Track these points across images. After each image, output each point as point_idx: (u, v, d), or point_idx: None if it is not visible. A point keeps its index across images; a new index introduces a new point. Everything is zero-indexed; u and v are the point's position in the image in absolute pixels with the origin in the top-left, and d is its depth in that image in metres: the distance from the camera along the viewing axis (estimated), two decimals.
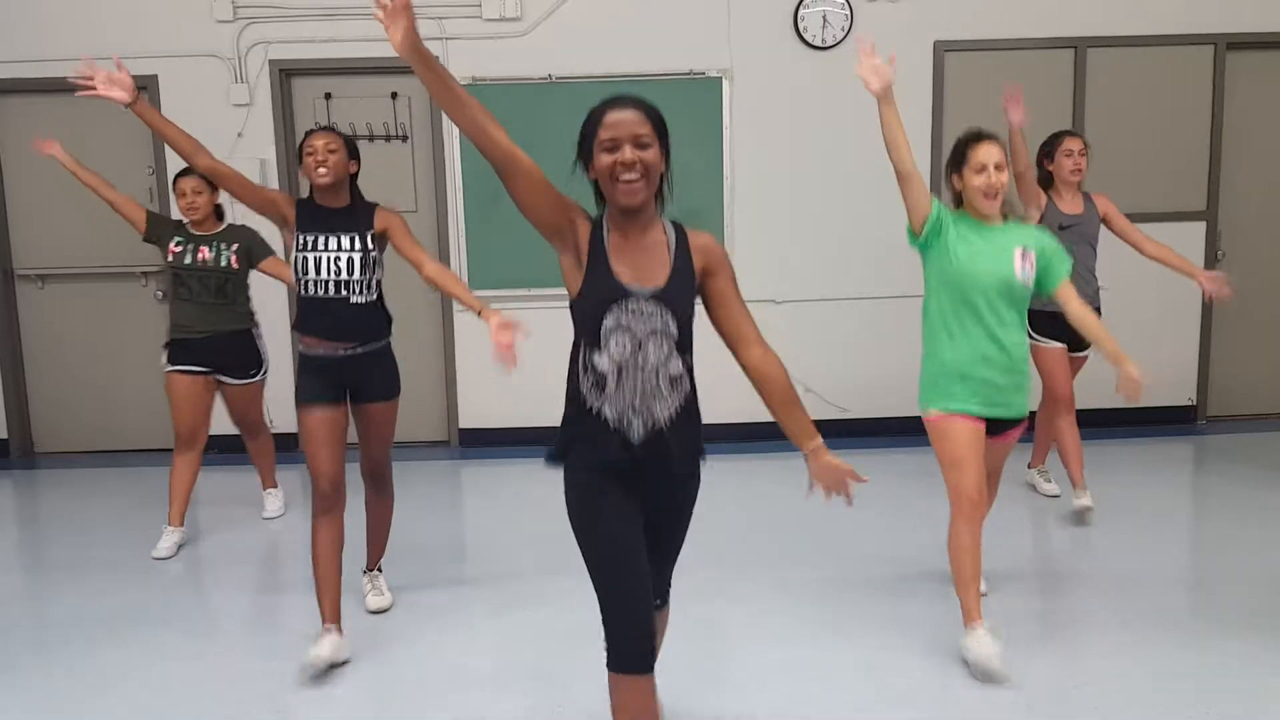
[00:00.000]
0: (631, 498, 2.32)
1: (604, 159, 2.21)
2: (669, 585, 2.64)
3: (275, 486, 5.07)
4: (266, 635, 3.67)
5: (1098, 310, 4.61)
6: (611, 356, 2.24)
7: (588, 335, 2.26)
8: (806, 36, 5.97)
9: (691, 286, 2.30)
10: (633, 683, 2.26)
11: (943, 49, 6.02)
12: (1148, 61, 6.10)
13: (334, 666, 3.34)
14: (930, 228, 3.28)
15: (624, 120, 2.20)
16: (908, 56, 6.02)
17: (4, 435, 6.30)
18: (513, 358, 2.94)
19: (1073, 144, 4.60)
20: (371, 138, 6.05)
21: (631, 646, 2.26)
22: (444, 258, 6.11)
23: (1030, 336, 4.47)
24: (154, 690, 3.26)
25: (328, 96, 6.04)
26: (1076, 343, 4.61)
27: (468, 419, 6.26)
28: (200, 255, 4.50)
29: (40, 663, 3.48)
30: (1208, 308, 6.32)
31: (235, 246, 4.54)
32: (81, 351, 6.29)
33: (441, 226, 6.11)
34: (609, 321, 2.23)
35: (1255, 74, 6.22)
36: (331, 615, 3.38)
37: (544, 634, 3.58)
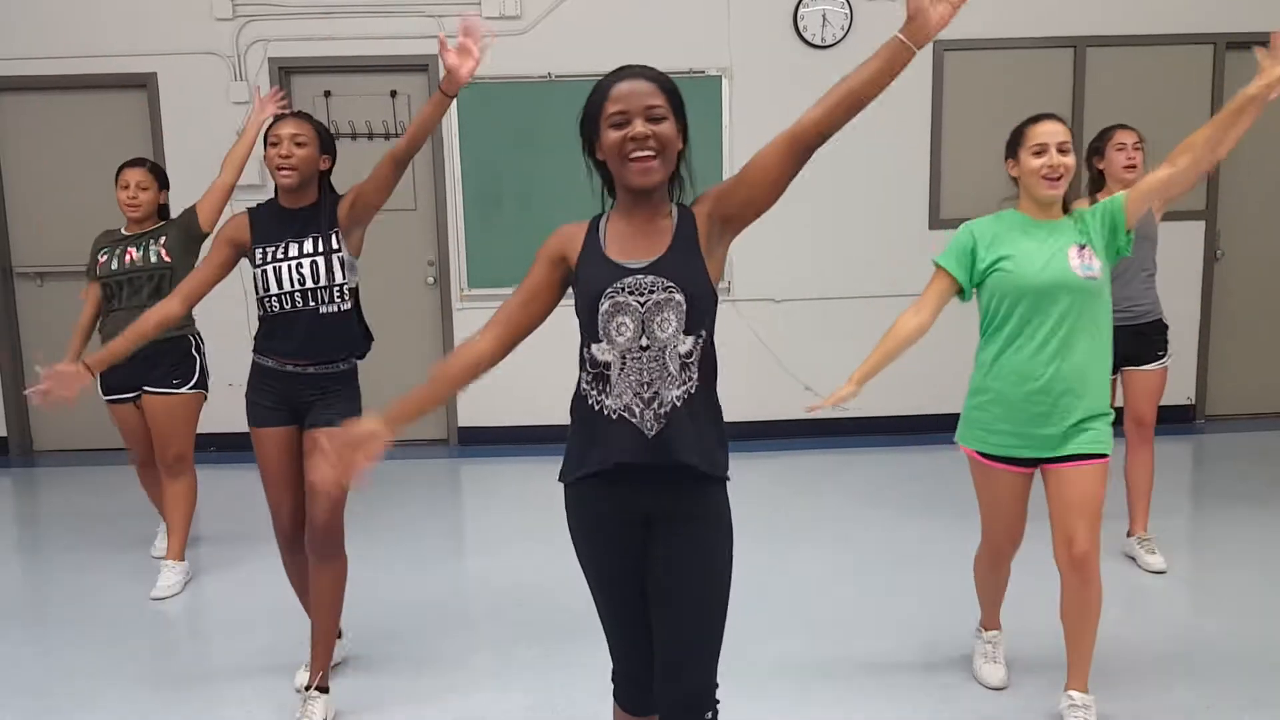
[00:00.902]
0: (631, 516, 2.07)
1: (612, 135, 1.96)
2: (704, 690, 2.10)
3: (181, 559, 4.16)
4: (268, 634, 3.66)
5: (1163, 324, 4.12)
6: (615, 344, 2.00)
7: (588, 328, 2.04)
8: (806, 35, 5.97)
9: (697, 256, 2.02)
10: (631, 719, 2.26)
11: (942, 48, 6.02)
12: (1147, 61, 6.10)
13: (333, 665, 3.34)
14: (968, 283, 2.91)
15: (634, 91, 1.96)
16: None
17: (3, 433, 6.30)
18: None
19: (1125, 137, 4.05)
20: (371, 136, 6.04)
21: (631, 690, 2.22)
22: (443, 256, 6.11)
23: None
24: (154, 688, 3.26)
25: (327, 94, 6.03)
26: (1139, 357, 4.08)
27: (467, 418, 6.26)
28: (128, 257, 4.07)
29: (39, 661, 3.48)
30: (1206, 306, 6.33)
31: (164, 239, 4.11)
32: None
33: (440, 226, 6.10)
34: (606, 305, 1.99)
35: (1255, 74, 6.20)
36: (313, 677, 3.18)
37: (544, 633, 3.57)
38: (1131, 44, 6.06)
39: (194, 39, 5.91)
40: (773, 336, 6.14)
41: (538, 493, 4.94)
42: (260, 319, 3.08)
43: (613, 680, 2.24)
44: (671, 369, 2.00)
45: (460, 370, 2.13)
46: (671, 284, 1.98)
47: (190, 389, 4.11)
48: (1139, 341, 4.06)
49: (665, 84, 1.99)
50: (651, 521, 2.07)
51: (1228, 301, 6.40)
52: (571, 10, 5.92)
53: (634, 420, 2.00)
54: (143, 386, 4.08)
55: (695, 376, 2.03)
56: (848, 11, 5.94)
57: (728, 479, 2.13)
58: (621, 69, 2.01)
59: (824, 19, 5.95)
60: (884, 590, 3.91)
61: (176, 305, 3.04)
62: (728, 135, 5.99)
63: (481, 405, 6.21)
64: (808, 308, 6.18)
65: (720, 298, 2.09)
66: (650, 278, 1.98)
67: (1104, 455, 2.80)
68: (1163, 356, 4.12)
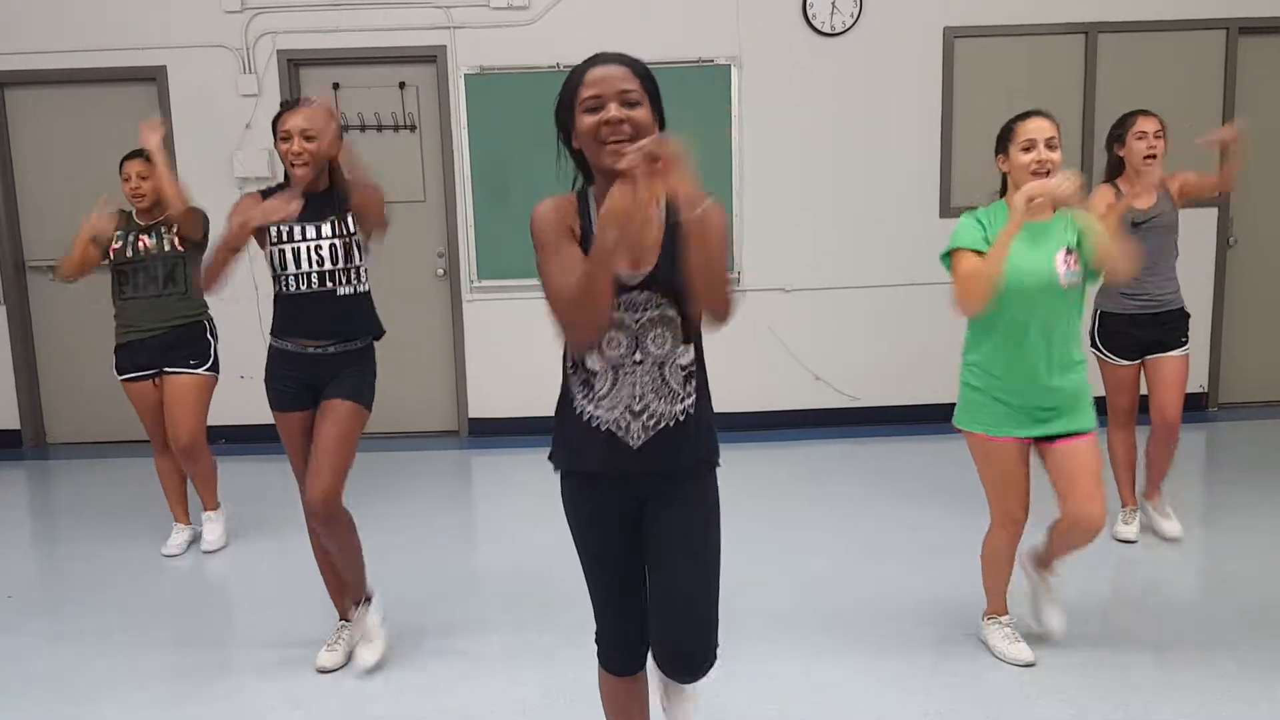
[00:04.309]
0: (626, 508, 2.10)
1: (587, 120, 1.94)
2: (706, 649, 2.11)
3: (217, 508, 4.52)
4: (280, 625, 3.67)
5: (1185, 313, 4.11)
6: (606, 355, 1.99)
7: None
8: (815, 23, 5.94)
9: None
10: (620, 681, 2.27)
11: (952, 35, 5.98)
12: (1159, 47, 6.05)
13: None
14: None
15: (608, 76, 1.93)
16: (917, 43, 5.99)
17: (16, 425, 6.33)
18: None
19: (1146, 124, 3.95)
20: (380, 128, 6.04)
21: (615, 655, 2.24)
22: (452, 248, 6.11)
23: (1098, 351, 4.11)
24: (168, 680, 3.27)
25: (336, 86, 6.03)
26: (1163, 344, 4.06)
27: (477, 409, 6.27)
28: (140, 245, 4.22)
29: (53, 653, 3.50)
30: (1219, 293, 6.30)
31: (176, 227, 4.21)
32: (92, 342, 6.29)
33: (450, 217, 6.11)
34: None
35: (1267, 59, 6.17)
36: (346, 609, 3.39)
37: (555, 621, 3.58)
38: (1143, 29, 6.02)
39: (203, 32, 5.92)
40: (782, 326, 6.13)
41: (547, 483, 4.93)
42: (276, 300, 3.14)
43: (597, 643, 2.25)
44: (673, 383, 2.01)
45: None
46: (664, 299, 1.97)
47: (205, 370, 4.30)
48: (1162, 330, 4.06)
49: (639, 69, 1.96)
50: (645, 504, 2.09)
51: (1240, 288, 6.37)
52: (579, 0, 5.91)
53: (620, 434, 2.01)
54: (162, 367, 4.27)
55: (696, 383, 2.04)
56: None
57: (718, 465, 2.14)
58: (595, 56, 1.99)
59: (833, 6, 5.92)
60: (894, 577, 3.90)
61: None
62: (737, 125, 5.97)
63: (492, 397, 6.22)
64: (817, 297, 6.16)
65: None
66: (644, 294, 1.97)
67: (1090, 431, 2.98)
68: (1185, 343, 4.09)
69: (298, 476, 3.26)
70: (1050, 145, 2.88)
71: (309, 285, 3.09)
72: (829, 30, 5.95)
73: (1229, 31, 6.04)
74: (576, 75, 1.98)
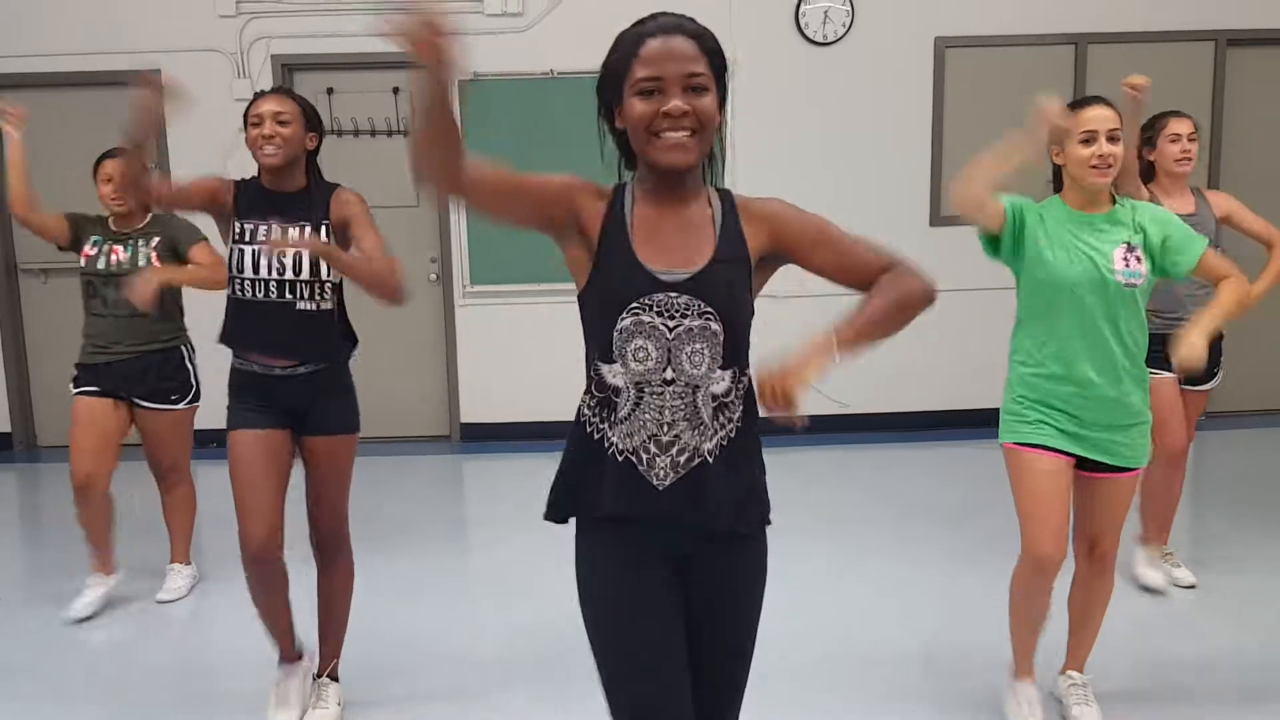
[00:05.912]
0: (667, 555, 1.73)
1: (639, 107, 1.61)
2: None
3: (188, 563, 4.03)
4: None
5: (1219, 335, 3.64)
6: (630, 369, 1.65)
7: (599, 340, 1.68)
8: (808, 32, 5.97)
9: (744, 273, 1.71)
10: None
11: (943, 45, 6.02)
12: (1148, 58, 6.07)
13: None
14: (1009, 235, 2.65)
15: (672, 53, 1.60)
16: (908, 52, 6.03)
17: (7, 429, 6.31)
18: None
19: (1180, 126, 3.71)
20: (373, 133, 6.05)
21: None
22: (445, 252, 6.13)
23: None
24: (161, 682, 3.28)
25: (329, 91, 6.04)
26: (1193, 375, 3.55)
27: (469, 413, 6.27)
28: (113, 257, 3.73)
29: (44, 655, 3.50)
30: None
31: (156, 241, 3.76)
32: None
33: (443, 221, 6.12)
34: (627, 322, 1.64)
35: (1256, 71, 6.22)
36: (289, 651, 3.03)
37: (546, 627, 3.59)
38: (1132, 41, 6.06)
39: (197, 36, 5.93)
40: (775, 333, 6.11)
41: (540, 488, 4.93)
42: (229, 302, 2.84)
43: None
44: (704, 414, 1.67)
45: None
46: (709, 310, 1.65)
47: (187, 404, 3.86)
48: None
49: (707, 43, 1.65)
50: (687, 559, 1.76)
51: None
52: (573, 7, 5.93)
53: (640, 467, 1.67)
54: (133, 398, 3.76)
55: (736, 418, 1.72)
56: (849, 8, 5.95)
57: (768, 523, 1.82)
58: (654, 18, 1.67)
59: (825, 16, 5.95)
60: (883, 583, 3.92)
61: (158, 184, 2.90)
62: (728, 132, 5.96)
63: (484, 402, 6.23)
64: (810, 305, 6.15)
65: None
66: (684, 298, 1.64)
67: (1141, 465, 2.73)
68: (1216, 374, 3.80)
69: (246, 511, 2.82)
70: (1112, 138, 2.61)
71: (265, 293, 2.77)
72: (821, 40, 5.98)
73: (1217, 43, 6.09)
74: (631, 42, 1.65)
